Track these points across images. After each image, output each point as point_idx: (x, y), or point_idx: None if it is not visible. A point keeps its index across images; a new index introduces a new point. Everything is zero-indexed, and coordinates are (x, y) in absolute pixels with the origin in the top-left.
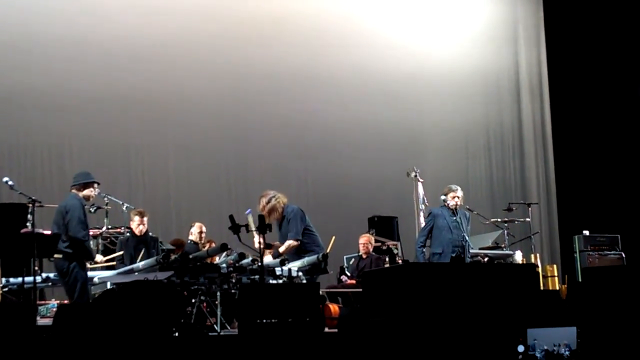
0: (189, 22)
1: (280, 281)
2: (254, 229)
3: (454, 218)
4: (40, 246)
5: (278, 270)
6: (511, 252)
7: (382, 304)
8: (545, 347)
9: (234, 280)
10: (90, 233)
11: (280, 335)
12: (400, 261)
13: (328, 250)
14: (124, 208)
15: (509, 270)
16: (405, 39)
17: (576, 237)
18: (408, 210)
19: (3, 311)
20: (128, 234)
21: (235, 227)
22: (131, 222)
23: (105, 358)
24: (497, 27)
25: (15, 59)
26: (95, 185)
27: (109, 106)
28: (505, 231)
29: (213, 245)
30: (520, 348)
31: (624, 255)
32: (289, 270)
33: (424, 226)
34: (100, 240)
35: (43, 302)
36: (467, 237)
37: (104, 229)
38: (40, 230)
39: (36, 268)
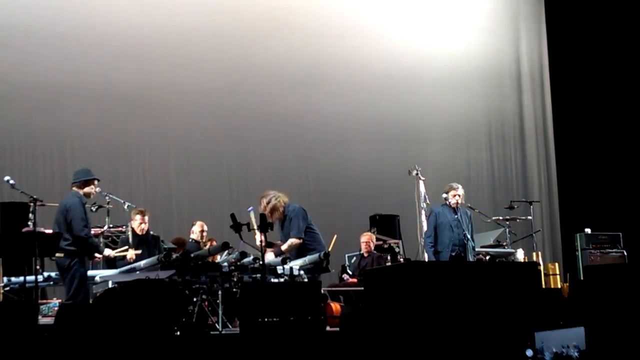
0: (190, 20)
1: (282, 280)
2: (255, 227)
3: (455, 216)
4: (42, 245)
5: (280, 269)
6: (513, 250)
7: (383, 303)
8: (554, 350)
9: (235, 279)
10: (92, 232)
11: (282, 334)
12: (401, 260)
13: (329, 249)
14: (126, 207)
15: (510, 269)
16: (406, 33)
17: (578, 235)
18: (409, 209)
19: (4, 310)
20: (129, 233)
21: (236, 226)
22: (132, 221)
23: (106, 357)
24: (499, 19)
25: (16, 58)
26: (96, 182)
27: (110, 105)
28: (507, 229)
29: (214, 244)
30: (529, 352)
31: (625, 253)
32: (291, 268)
33: (429, 225)
34: (101, 239)
35: (44, 301)
36: (469, 236)
37: (106, 227)
38: (42, 229)
39: (38, 267)
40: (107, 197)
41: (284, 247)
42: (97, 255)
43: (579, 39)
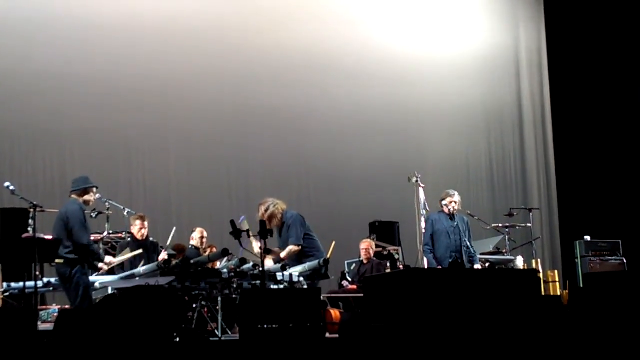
0: (192, 23)
1: (282, 286)
2: (251, 235)
3: (452, 223)
4: (42, 251)
5: (279, 276)
6: (512, 258)
7: (383, 310)
8: None
9: (235, 286)
10: (92, 238)
11: (282, 341)
12: (401, 267)
13: (328, 256)
14: (125, 213)
15: (510, 276)
16: (406, 29)
17: (577, 242)
18: (409, 216)
19: (4, 316)
20: (129, 239)
21: (236, 233)
22: (132, 227)
23: None
24: (497, 22)
25: (15, 64)
26: (95, 189)
27: (109, 111)
28: (507, 236)
29: (214, 250)
30: None
31: (625, 261)
32: (291, 275)
33: (426, 232)
34: (101, 245)
35: (44, 307)
36: (468, 242)
37: (105, 234)
38: (42, 235)
39: (37, 273)
40: (106, 204)
41: (283, 254)
42: (101, 266)
43: (578, 31)
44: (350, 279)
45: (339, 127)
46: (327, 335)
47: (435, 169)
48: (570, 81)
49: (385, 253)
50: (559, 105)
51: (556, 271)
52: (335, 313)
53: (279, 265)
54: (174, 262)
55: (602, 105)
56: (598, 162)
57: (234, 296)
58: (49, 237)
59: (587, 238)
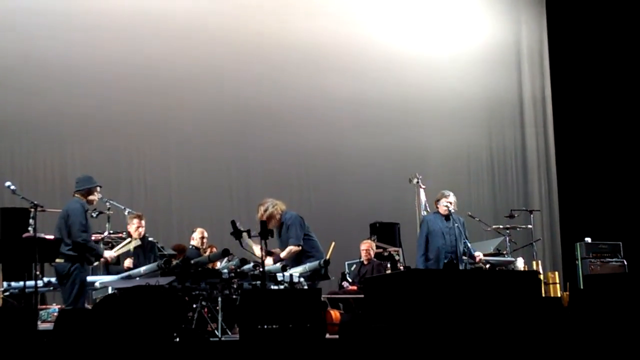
0: (192, 23)
1: (282, 287)
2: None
3: (447, 224)
4: (42, 251)
5: (280, 276)
6: (513, 259)
7: (383, 311)
8: None
9: (235, 286)
10: (92, 238)
11: (282, 341)
12: (401, 267)
13: (327, 256)
14: (126, 213)
15: (510, 277)
16: (407, 26)
17: (578, 244)
18: (410, 217)
19: (4, 315)
20: (128, 238)
21: (236, 233)
22: (129, 226)
23: None
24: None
25: (15, 64)
26: (98, 188)
27: (110, 111)
28: (507, 238)
29: (214, 250)
30: None
31: (625, 263)
32: (291, 276)
33: (420, 236)
34: (102, 245)
35: (44, 306)
36: (467, 242)
37: (106, 233)
38: (42, 235)
39: (37, 272)
40: (107, 203)
41: (282, 254)
42: (105, 255)
43: (580, 29)
44: (350, 280)
45: (340, 128)
46: (327, 336)
47: (436, 169)
48: (572, 79)
49: (386, 254)
50: (561, 104)
51: (557, 273)
52: (335, 314)
53: (279, 266)
54: (174, 262)
55: (604, 104)
56: (599, 163)
57: (234, 296)
58: (50, 236)
59: (588, 240)
